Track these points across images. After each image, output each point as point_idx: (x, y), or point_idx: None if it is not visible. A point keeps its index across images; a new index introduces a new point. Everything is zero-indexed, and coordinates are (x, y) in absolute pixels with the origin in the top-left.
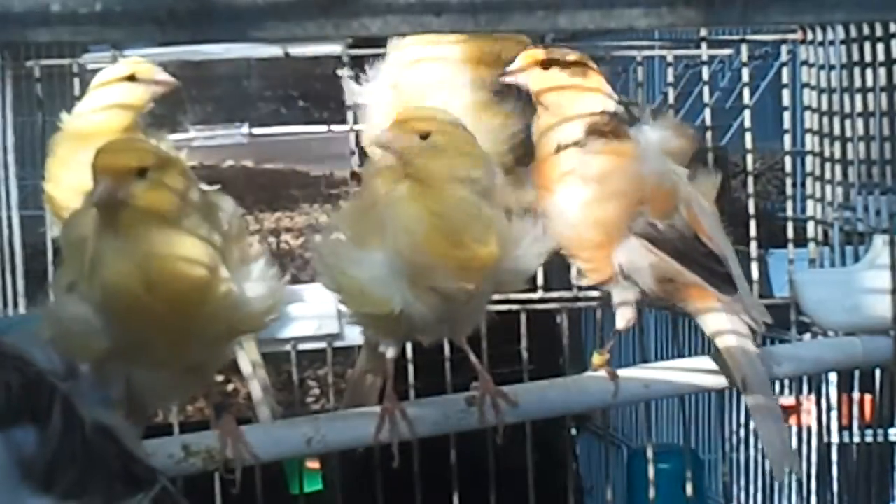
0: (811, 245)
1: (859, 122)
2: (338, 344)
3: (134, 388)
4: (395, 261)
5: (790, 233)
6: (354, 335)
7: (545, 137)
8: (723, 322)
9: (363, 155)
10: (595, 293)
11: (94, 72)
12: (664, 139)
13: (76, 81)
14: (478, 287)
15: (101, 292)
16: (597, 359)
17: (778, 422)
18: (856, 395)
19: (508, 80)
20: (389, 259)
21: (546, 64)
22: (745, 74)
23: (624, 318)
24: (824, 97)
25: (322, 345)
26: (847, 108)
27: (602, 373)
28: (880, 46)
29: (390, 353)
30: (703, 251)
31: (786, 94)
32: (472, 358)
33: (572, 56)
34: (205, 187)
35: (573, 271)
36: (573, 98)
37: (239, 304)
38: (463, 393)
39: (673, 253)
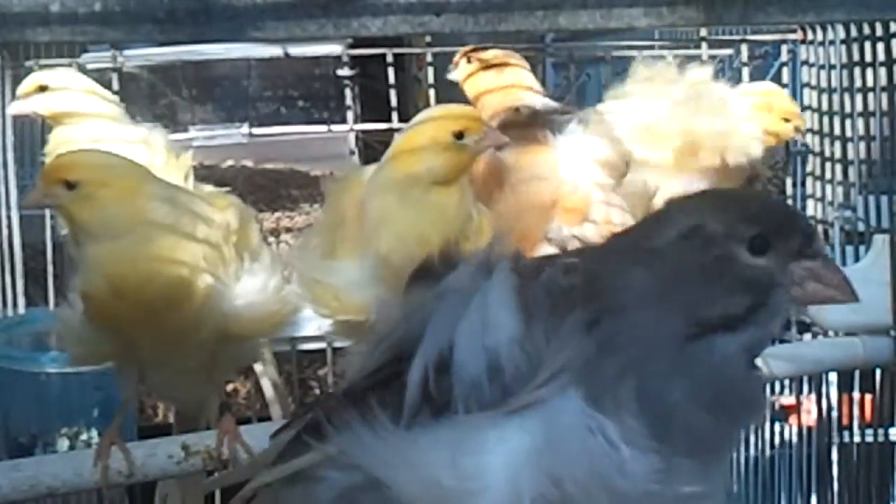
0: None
1: (859, 122)
2: (338, 344)
3: (149, 386)
4: (375, 266)
5: None
6: None
7: None
8: None
9: (363, 154)
10: None
11: (94, 72)
12: (593, 148)
13: None
14: None
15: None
16: None
17: None
18: (856, 394)
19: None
20: (367, 265)
21: (467, 59)
22: (746, 74)
23: None
24: (824, 97)
25: (322, 345)
26: (847, 108)
27: None
28: (880, 46)
29: None
30: None
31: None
32: None
33: (497, 56)
34: (207, 189)
35: None
36: (497, 99)
37: (228, 309)
38: None
39: None
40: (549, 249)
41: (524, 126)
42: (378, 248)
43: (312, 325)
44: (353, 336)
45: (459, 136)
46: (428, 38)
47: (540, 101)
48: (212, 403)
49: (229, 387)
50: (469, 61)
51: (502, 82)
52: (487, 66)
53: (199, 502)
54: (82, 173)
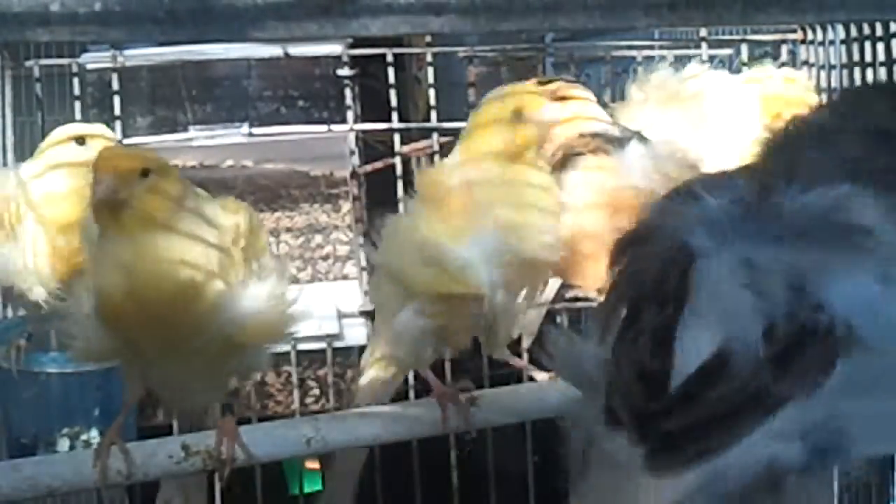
0: None
1: None
2: (338, 344)
3: (153, 387)
4: (491, 244)
5: None
6: (354, 335)
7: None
8: None
9: (363, 154)
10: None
11: (94, 71)
12: (647, 154)
13: (76, 81)
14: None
15: (93, 296)
16: None
17: None
18: None
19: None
20: (487, 243)
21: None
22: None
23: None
24: (825, 97)
25: (322, 345)
26: None
27: None
28: (880, 46)
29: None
30: None
31: None
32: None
33: (561, 87)
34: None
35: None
36: (562, 130)
37: (235, 316)
38: (464, 393)
39: None
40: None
41: (588, 149)
42: (487, 227)
43: (313, 325)
44: (458, 314)
45: (518, 114)
46: (428, 38)
47: (602, 126)
48: (215, 406)
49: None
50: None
51: (566, 114)
52: (554, 99)
53: None
54: (153, 163)
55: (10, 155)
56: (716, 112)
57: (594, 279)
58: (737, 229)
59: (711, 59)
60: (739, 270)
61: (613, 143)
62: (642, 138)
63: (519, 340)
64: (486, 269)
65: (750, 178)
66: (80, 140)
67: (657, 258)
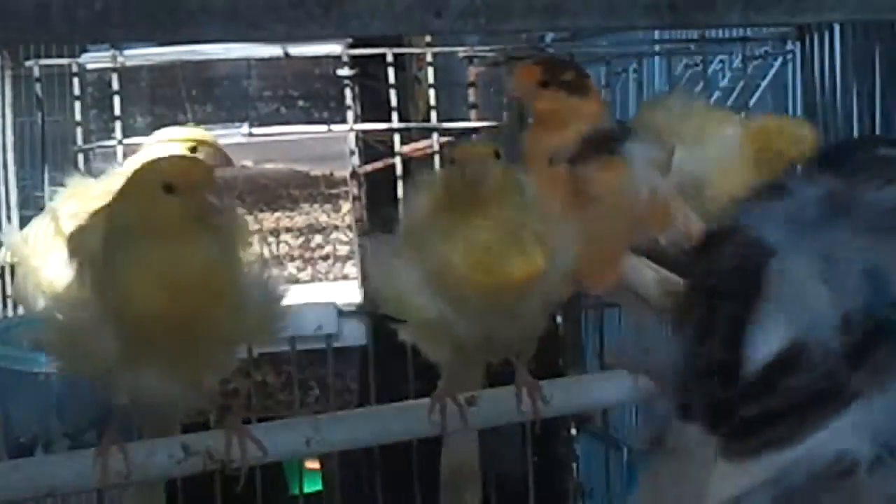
0: None
1: (858, 122)
2: (338, 344)
3: (139, 397)
4: (432, 279)
5: None
6: (354, 335)
7: (540, 155)
8: None
9: (363, 154)
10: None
11: (94, 71)
12: (650, 153)
13: (76, 81)
14: (518, 302)
15: (116, 298)
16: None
17: None
18: None
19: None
20: (427, 275)
21: (545, 83)
22: (746, 74)
23: (638, 324)
24: (824, 97)
25: (322, 345)
26: (847, 108)
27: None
28: (880, 46)
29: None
30: None
31: (786, 93)
32: (515, 363)
33: (571, 74)
34: None
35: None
36: (570, 117)
37: (243, 315)
38: (464, 393)
39: (674, 267)
40: (636, 259)
41: (597, 145)
42: (426, 258)
43: (313, 325)
44: (426, 337)
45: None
46: (428, 38)
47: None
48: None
49: (229, 386)
50: (544, 87)
51: (583, 103)
52: (564, 84)
53: None
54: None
55: (10, 155)
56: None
57: (605, 286)
58: (817, 223)
59: (711, 59)
60: (817, 265)
61: (618, 139)
62: (638, 134)
63: None
64: (434, 297)
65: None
66: (193, 148)
67: (733, 255)
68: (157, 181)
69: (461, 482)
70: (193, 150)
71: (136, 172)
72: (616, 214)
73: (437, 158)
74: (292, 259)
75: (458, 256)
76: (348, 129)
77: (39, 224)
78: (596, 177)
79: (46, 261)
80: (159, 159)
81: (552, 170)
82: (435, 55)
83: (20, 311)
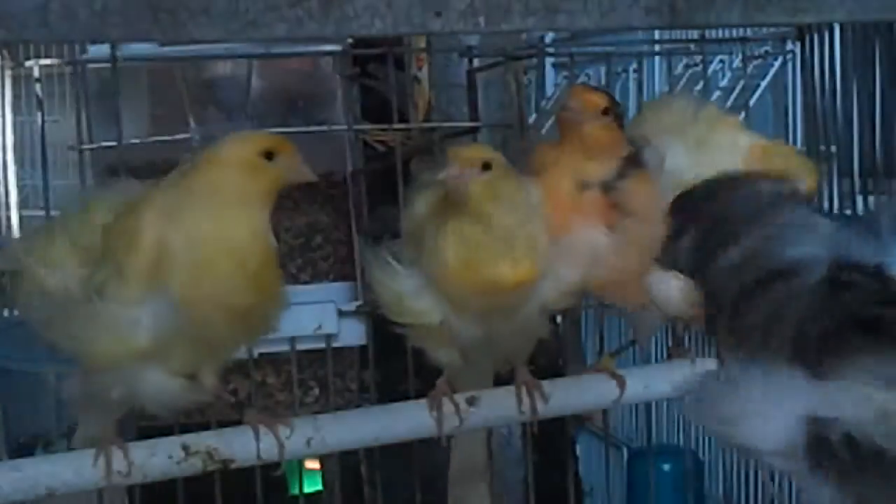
0: None
1: (859, 122)
2: (338, 344)
3: (139, 394)
4: (428, 278)
5: None
6: (354, 335)
7: (562, 174)
8: None
9: (363, 154)
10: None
11: (94, 71)
12: (658, 160)
13: (76, 81)
14: (515, 306)
15: (181, 290)
16: (608, 361)
17: None
18: None
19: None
20: (428, 276)
21: (606, 111)
22: (745, 74)
23: (643, 331)
24: (824, 97)
25: (322, 345)
26: (847, 108)
27: (605, 374)
28: (880, 47)
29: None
30: None
31: (786, 94)
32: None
33: (619, 107)
34: None
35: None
36: (614, 147)
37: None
38: (464, 393)
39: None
40: (661, 271)
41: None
42: (427, 263)
43: (313, 325)
44: (425, 340)
45: None
46: (428, 38)
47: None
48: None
49: (229, 387)
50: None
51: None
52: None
53: None
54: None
55: (10, 155)
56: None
57: (632, 300)
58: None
59: (711, 59)
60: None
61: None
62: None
63: None
64: (436, 300)
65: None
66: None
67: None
68: (255, 150)
69: (469, 481)
70: (270, 156)
71: (221, 150)
72: (655, 228)
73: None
74: (292, 259)
75: (449, 259)
76: (348, 129)
77: (46, 231)
78: (633, 192)
79: (54, 271)
80: (244, 136)
81: (582, 194)
82: (435, 55)
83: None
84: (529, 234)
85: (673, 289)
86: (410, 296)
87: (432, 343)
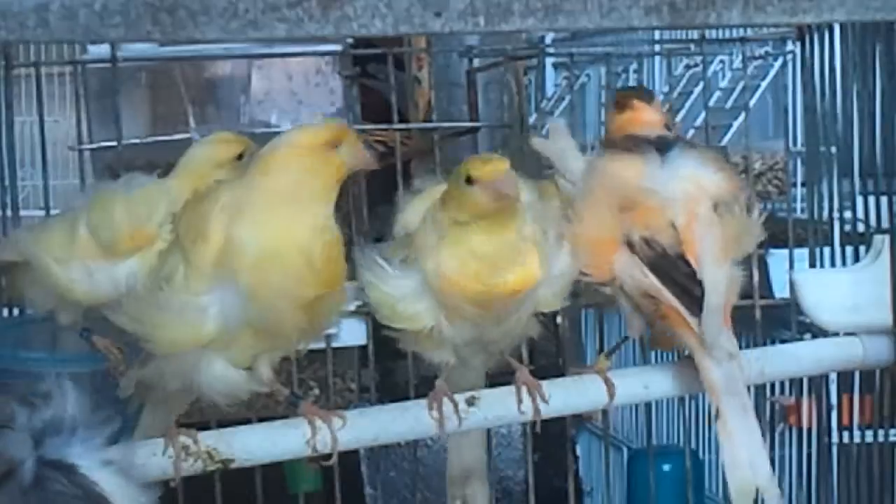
0: (811, 245)
1: (858, 123)
2: (338, 344)
3: (200, 383)
4: (426, 283)
5: (790, 233)
6: (354, 335)
7: None
8: (700, 356)
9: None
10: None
11: (94, 71)
12: (694, 166)
13: (76, 81)
14: (510, 311)
15: (248, 280)
16: (601, 362)
17: (753, 447)
18: (856, 395)
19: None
20: (423, 281)
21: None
22: (745, 74)
23: (632, 326)
24: (824, 97)
25: (322, 345)
26: (847, 109)
27: (595, 375)
28: (881, 47)
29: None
30: (685, 271)
31: (786, 94)
32: (513, 363)
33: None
34: None
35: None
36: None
37: None
38: (464, 393)
39: (651, 268)
40: (626, 253)
41: (632, 145)
42: (427, 268)
43: None
44: (417, 344)
45: (470, 181)
46: (428, 38)
47: (656, 132)
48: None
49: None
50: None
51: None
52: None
53: None
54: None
55: (6, 155)
56: None
57: (598, 272)
58: None
59: (711, 59)
60: None
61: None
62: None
63: None
64: (429, 304)
65: None
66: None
67: None
68: (321, 140)
69: (467, 480)
70: (334, 145)
71: (285, 141)
72: (604, 202)
73: (437, 158)
74: None
75: (451, 265)
76: None
77: (57, 225)
78: (606, 165)
79: (68, 263)
80: (309, 126)
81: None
82: (435, 55)
83: (15, 312)
84: (533, 239)
85: (630, 272)
86: (402, 300)
87: (425, 345)
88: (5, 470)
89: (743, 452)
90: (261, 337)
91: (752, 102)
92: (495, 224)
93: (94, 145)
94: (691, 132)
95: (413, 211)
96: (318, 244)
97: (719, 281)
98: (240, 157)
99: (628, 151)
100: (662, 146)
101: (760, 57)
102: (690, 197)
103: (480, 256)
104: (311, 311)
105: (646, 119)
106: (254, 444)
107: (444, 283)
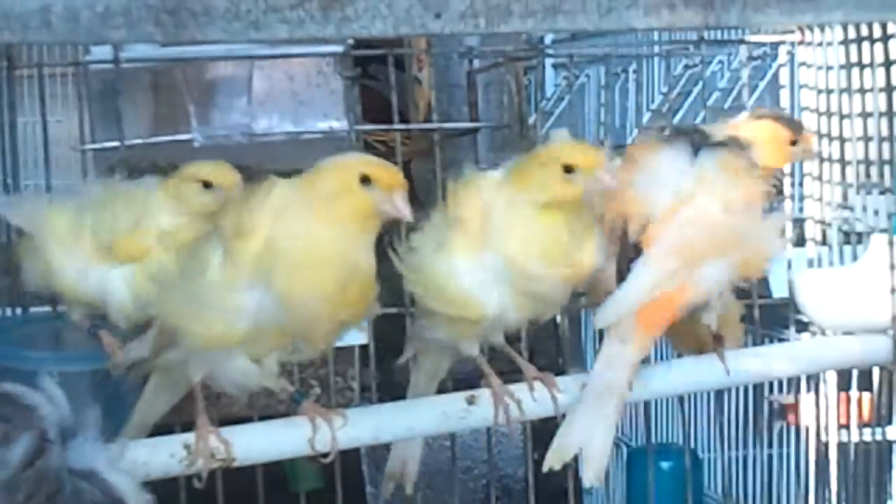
0: (810, 245)
1: (858, 123)
2: (338, 343)
3: (221, 376)
4: (502, 267)
5: (789, 233)
6: (354, 335)
7: None
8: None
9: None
10: None
11: (94, 72)
12: (711, 164)
13: (76, 81)
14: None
15: (282, 285)
16: None
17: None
18: (854, 393)
19: None
20: (494, 265)
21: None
22: (745, 74)
23: None
24: (823, 97)
25: None
26: (845, 109)
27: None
28: (878, 47)
29: (474, 350)
30: (631, 257)
31: (784, 94)
32: (514, 355)
33: None
34: None
35: None
36: None
37: None
38: (464, 392)
39: (619, 252)
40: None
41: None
42: (506, 251)
43: None
44: (459, 331)
45: (570, 170)
46: (428, 39)
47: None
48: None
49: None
50: None
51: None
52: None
53: None
54: None
55: (9, 156)
56: None
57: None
58: None
59: (711, 59)
60: None
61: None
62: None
63: (519, 338)
64: (497, 291)
65: None
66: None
67: None
68: (353, 173)
69: (402, 475)
70: (366, 181)
71: (327, 165)
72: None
73: (437, 158)
74: None
75: (538, 251)
76: (348, 129)
77: (62, 210)
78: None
79: (66, 252)
80: (350, 157)
81: None
82: (435, 55)
83: (18, 311)
84: (591, 222)
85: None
86: (471, 286)
87: (466, 333)
88: (54, 489)
89: (580, 428)
90: (284, 338)
91: (750, 102)
92: (569, 209)
93: (96, 146)
94: None
95: (482, 193)
96: (354, 272)
97: (644, 275)
98: None
99: (662, 143)
100: (699, 143)
101: (759, 57)
102: (687, 195)
103: (560, 240)
104: (336, 320)
105: None
106: (255, 443)
107: (528, 266)
